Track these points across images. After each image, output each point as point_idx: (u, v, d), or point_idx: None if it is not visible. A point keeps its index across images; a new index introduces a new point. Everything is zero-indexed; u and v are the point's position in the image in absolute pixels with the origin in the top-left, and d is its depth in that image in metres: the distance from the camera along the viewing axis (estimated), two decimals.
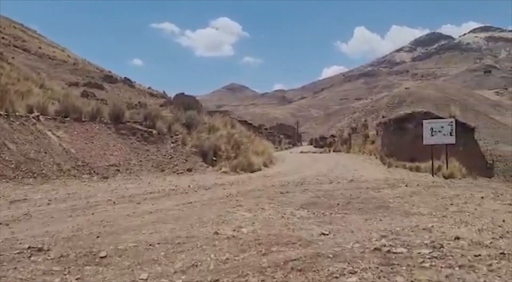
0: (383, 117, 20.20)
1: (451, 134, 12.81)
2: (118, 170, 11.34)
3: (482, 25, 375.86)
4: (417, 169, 14.26)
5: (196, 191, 8.25)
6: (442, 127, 12.89)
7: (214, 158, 13.63)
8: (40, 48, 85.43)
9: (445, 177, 12.43)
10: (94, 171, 10.90)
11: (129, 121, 13.85)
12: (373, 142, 22.16)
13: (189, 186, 9.08)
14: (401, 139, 18.27)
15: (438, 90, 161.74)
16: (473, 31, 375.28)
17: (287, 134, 72.03)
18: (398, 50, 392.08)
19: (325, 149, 40.65)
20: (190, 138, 14.01)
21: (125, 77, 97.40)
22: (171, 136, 13.82)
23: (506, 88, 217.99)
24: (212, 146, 13.78)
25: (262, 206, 6.20)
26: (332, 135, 69.27)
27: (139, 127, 13.69)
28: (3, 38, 72.51)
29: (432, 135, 13.03)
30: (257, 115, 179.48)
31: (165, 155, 12.77)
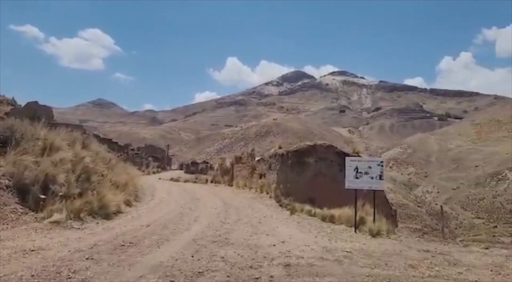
0: (280, 148, 17.02)
1: (380, 178, 9.90)
2: None
3: (340, 69, 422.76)
4: (332, 219, 11.04)
5: None
6: (369, 168, 9.91)
7: (43, 196, 8.43)
8: None
9: (373, 235, 9.36)
10: None
11: None
12: (261, 176, 18.82)
13: None
14: (299, 176, 15.25)
15: (301, 124, 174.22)
16: (332, 74, 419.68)
17: (156, 157, 66.04)
18: (267, 84, 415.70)
19: (198, 177, 36.66)
20: (4, 162, 8.58)
21: None
22: None
23: (357, 128, 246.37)
24: (40, 176, 8.57)
25: None
26: (205, 161, 65.90)
27: None
28: None
29: (357, 177, 9.95)
30: (125, 134, 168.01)
31: None
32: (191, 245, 6.28)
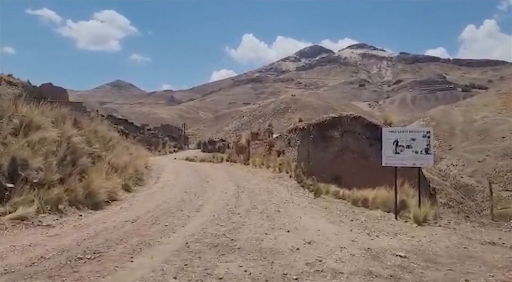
0: (300, 121, 15.17)
1: (427, 152, 7.96)
2: None
3: (358, 42, 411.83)
4: (365, 203, 9.21)
5: None
6: (413, 140, 7.97)
7: (11, 185, 6.87)
8: None
9: (419, 222, 7.52)
10: None
11: None
12: (279, 153, 17.02)
13: None
14: (323, 152, 13.40)
15: (320, 99, 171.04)
16: (350, 47, 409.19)
17: (172, 137, 65.10)
18: (284, 59, 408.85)
19: (215, 156, 35.23)
20: None
21: None
22: None
23: (377, 101, 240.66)
24: (6, 160, 6.99)
25: None
26: (222, 140, 64.44)
27: None
28: None
29: (397, 152, 8.04)
30: (143, 115, 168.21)
31: None
32: (181, 253, 4.48)
